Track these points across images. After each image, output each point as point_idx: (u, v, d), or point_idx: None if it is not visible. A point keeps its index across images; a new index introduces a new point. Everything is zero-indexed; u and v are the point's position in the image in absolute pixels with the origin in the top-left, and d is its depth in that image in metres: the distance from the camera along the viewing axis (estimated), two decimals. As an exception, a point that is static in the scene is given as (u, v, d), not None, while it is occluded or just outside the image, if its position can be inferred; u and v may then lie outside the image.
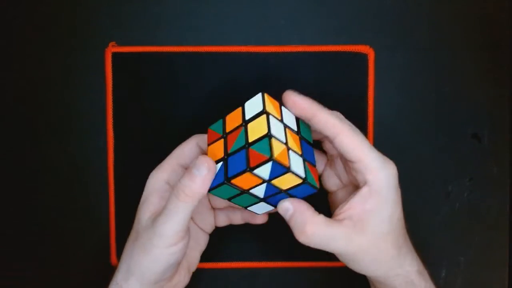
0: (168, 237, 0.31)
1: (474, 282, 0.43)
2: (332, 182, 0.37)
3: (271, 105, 0.32)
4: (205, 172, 0.30)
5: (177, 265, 0.34)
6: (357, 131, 0.32)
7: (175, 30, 0.41)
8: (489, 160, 0.42)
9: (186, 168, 0.34)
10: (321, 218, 0.31)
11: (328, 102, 0.41)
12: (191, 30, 0.41)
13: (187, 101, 0.41)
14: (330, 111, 0.32)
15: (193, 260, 0.37)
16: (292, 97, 0.32)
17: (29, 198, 0.41)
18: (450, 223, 0.42)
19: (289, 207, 0.32)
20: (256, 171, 0.29)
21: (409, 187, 0.41)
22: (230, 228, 0.39)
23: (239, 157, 0.30)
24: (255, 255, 0.42)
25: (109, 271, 0.41)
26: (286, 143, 0.31)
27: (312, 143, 0.34)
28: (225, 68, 0.41)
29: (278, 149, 0.29)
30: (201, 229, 0.38)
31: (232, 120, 0.33)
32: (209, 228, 0.39)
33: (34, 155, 0.41)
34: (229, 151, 0.31)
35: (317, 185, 0.32)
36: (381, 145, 0.41)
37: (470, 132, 0.42)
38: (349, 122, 0.33)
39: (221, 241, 0.41)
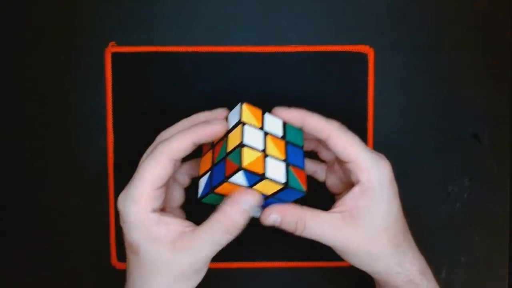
0: (208, 263, 0.32)
1: (474, 282, 0.43)
2: (335, 186, 0.38)
3: (249, 114, 0.32)
4: (254, 210, 0.31)
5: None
6: (348, 131, 0.33)
7: (175, 30, 0.41)
8: (489, 160, 0.42)
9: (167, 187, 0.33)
10: (306, 210, 0.32)
11: (328, 102, 0.41)
12: (191, 30, 0.41)
13: (187, 101, 0.41)
14: (322, 117, 0.33)
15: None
16: (282, 110, 0.33)
17: (29, 198, 0.41)
18: (450, 223, 0.42)
19: (276, 218, 0.32)
20: (232, 179, 0.30)
21: (409, 187, 0.41)
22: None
23: (220, 167, 0.31)
24: (256, 255, 0.42)
25: (109, 271, 0.41)
26: (263, 150, 0.31)
27: (302, 146, 0.34)
28: (225, 68, 0.41)
29: (250, 157, 0.30)
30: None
31: None
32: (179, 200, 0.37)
33: (34, 155, 0.41)
34: (214, 161, 0.32)
35: (304, 189, 0.32)
36: (381, 145, 0.41)
37: (470, 132, 0.42)
38: (338, 123, 0.33)
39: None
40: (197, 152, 0.34)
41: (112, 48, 0.41)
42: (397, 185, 0.33)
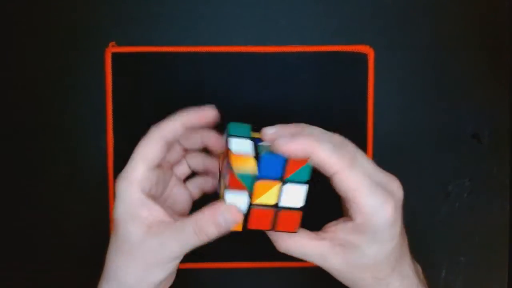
0: (175, 258, 0.32)
1: (474, 282, 0.43)
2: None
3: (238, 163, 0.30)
4: (230, 227, 0.31)
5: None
6: (358, 166, 0.30)
7: (175, 30, 0.41)
8: (489, 160, 0.42)
9: (158, 166, 0.33)
10: (295, 234, 0.32)
11: (328, 102, 0.41)
12: (191, 30, 0.41)
13: (187, 101, 0.41)
14: (328, 137, 0.31)
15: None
16: (284, 143, 0.29)
17: (29, 198, 0.41)
18: (450, 223, 0.42)
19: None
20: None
21: (409, 187, 0.41)
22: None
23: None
24: (256, 255, 0.42)
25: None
26: (281, 177, 0.31)
27: (307, 181, 0.31)
28: (225, 68, 0.41)
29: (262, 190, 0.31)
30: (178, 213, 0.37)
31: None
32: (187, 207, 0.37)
33: (34, 155, 0.41)
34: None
35: (295, 230, 0.32)
36: (381, 145, 0.41)
37: (470, 132, 0.42)
38: (349, 157, 0.30)
39: (222, 241, 0.41)
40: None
41: (112, 48, 0.41)
42: (400, 223, 0.31)
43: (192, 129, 0.34)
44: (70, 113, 0.41)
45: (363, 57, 0.41)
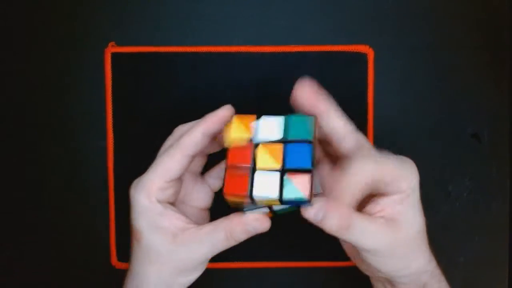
0: (205, 260, 0.33)
1: (474, 282, 0.43)
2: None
3: (237, 131, 0.31)
4: (258, 232, 0.32)
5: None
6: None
7: (175, 30, 0.41)
8: (489, 160, 0.42)
9: (176, 180, 0.33)
10: (359, 213, 0.31)
11: (328, 102, 0.41)
12: (191, 30, 0.41)
13: (187, 101, 0.41)
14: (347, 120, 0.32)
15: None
16: (305, 91, 0.32)
17: (29, 198, 0.41)
18: (450, 223, 0.42)
19: (318, 214, 0.29)
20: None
21: (409, 187, 0.41)
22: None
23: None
24: (256, 255, 0.42)
25: (109, 271, 0.41)
26: (252, 166, 0.30)
27: (310, 140, 0.30)
28: (225, 68, 0.41)
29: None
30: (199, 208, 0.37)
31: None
32: (208, 203, 0.37)
33: (34, 155, 0.41)
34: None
35: (305, 196, 0.28)
36: (381, 145, 0.41)
37: (470, 132, 0.42)
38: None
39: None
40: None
41: (112, 48, 0.41)
42: None
43: (214, 135, 0.33)
44: (70, 113, 0.41)
45: (363, 57, 0.41)
